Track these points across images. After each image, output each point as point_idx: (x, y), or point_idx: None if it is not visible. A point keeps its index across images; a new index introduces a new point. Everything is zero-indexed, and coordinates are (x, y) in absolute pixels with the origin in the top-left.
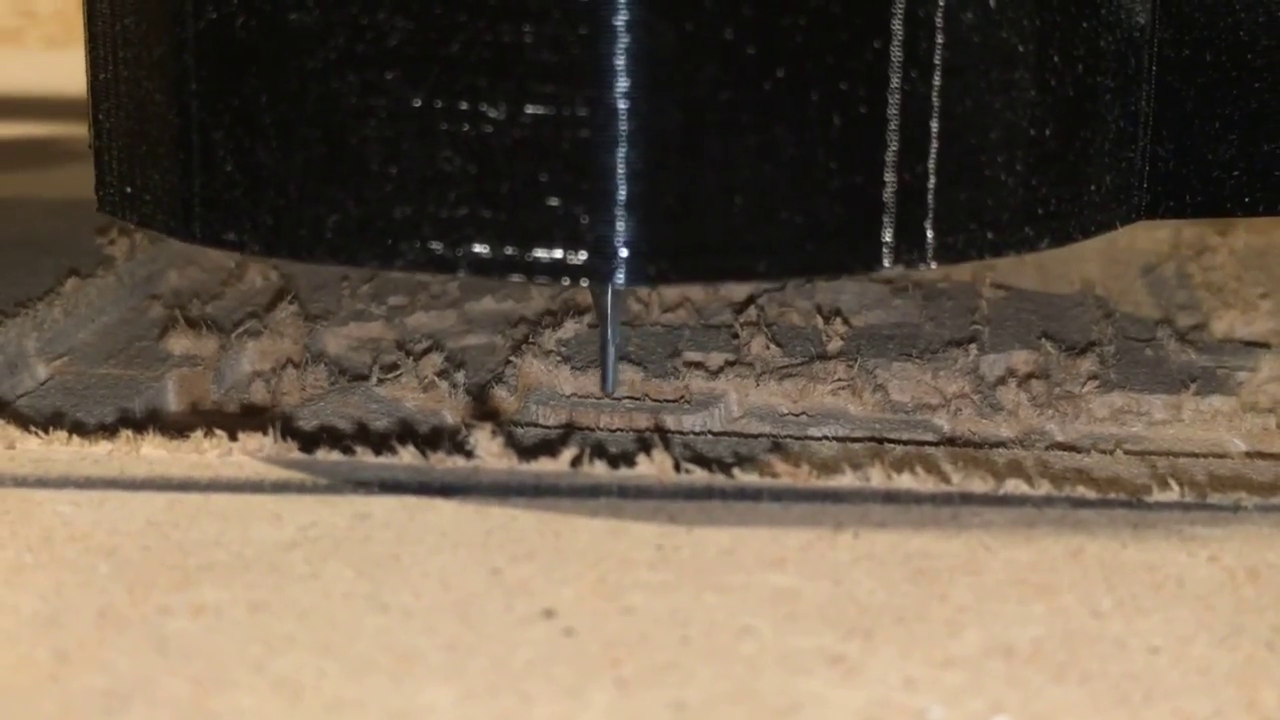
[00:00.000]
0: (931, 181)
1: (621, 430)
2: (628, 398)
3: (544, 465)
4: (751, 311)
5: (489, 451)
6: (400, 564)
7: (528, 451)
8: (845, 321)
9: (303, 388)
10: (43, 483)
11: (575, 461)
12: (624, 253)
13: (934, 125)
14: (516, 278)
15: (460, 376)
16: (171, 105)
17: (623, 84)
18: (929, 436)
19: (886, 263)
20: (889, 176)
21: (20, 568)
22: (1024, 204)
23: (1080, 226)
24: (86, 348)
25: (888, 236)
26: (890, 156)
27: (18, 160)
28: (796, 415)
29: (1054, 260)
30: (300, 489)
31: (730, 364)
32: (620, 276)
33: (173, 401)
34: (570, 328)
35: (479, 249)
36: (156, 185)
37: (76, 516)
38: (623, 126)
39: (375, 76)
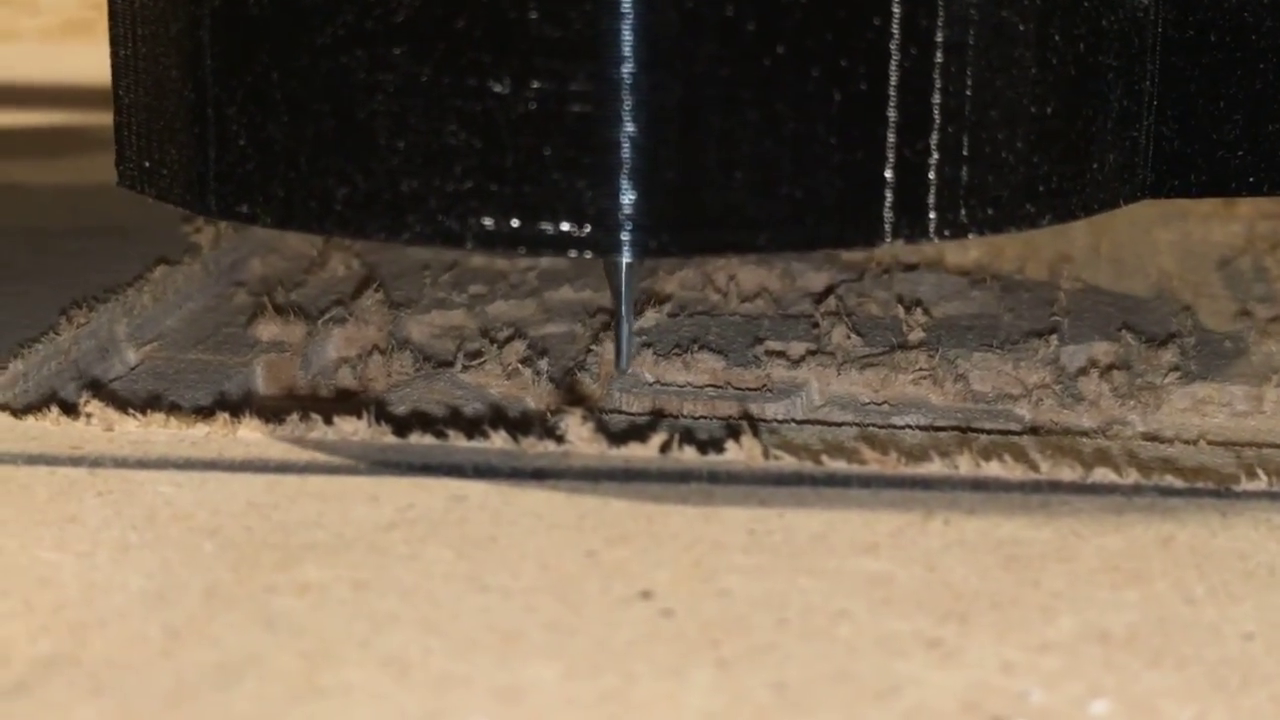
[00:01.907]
0: (933, 158)
1: (705, 417)
2: (710, 385)
3: (634, 451)
4: (831, 301)
5: (579, 437)
6: (498, 545)
7: (617, 437)
8: (926, 312)
9: (388, 374)
10: (143, 464)
11: (664, 447)
12: (627, 226)
13: (935, 102)
14: (522, 251)
15: (543, 364)
16: (187, 81)
17: (625, 60)
18: (1011, 426)
19: (887, 238)
20: (890, 153)
21: (126, 546)
22: (1026, 181)
23: (1083, 204)
24: (175, 333)
25: (889, 212)
26: (891, 133)
27: (101, 146)
28: (879, 404)
29: (1129, 254)
30: (396, 471)
31: (811, 353)
32: (624, 249)
33: (261, 386)
34: (651, 316)
35: (486, 222)
36: (173, 159)
37: (178, 497)
38: (625, 101)
39: (383, 52)
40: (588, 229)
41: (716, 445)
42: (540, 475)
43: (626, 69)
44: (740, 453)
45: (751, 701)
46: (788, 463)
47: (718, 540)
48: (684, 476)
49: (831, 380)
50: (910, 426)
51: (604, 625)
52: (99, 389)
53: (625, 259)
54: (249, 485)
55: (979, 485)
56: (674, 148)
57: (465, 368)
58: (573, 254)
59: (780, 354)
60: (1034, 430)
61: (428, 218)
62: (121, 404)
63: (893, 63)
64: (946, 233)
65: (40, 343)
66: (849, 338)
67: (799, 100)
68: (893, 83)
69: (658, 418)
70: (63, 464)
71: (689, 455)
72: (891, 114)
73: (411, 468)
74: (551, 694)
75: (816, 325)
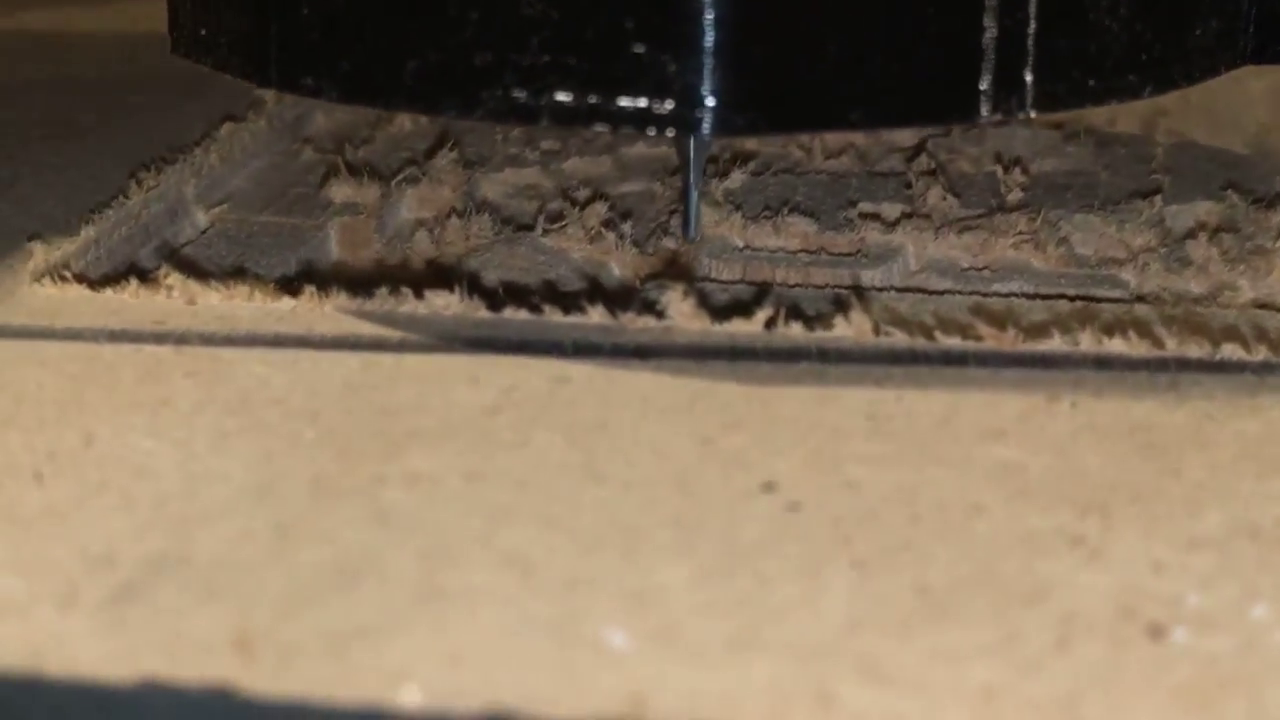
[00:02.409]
0: (1031, 26)
1: (800, 286)
2: (802, 250)
3: (738, 327)
4: (924, 159)
5: (681, 312)
6: (608, 432)
7: (719, 312)
8: (1023, 170)
9: (467, 237)
10: (230, 341)
11: (770, 323)
12: (711, 102)
13: None
14: (600, 127)
15: (626, 227)
16: None
17: None
18: (1116, 293)
19: (984, 111)
20: (988, 21)
21: (224, 433)
22: (1127, 50)
23: (1184, 72)
24: (243, 194)
25: (985, 84)
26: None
27: None
28: (979, 270)
29: (1223, 105)
30: (493, 349)
31: (906, 216)
32: (708, 126)
33: (336, 250)
34: (736, 177)
35: (562, 97)
36: (231, 26)
37: (271, 377)
38: None
39: None
40: (670, 105)
41: (824, 320)
42: (643, 353)
43: None
44: (849, 328)
45: (895, 606)
46: (899, 339)
47: (837, 426)
48: (793, 355)
49: (928, 244)
50: (1015, 295)
51: (729, 521)
52: (173, 256)
53: (709, 137)
54: (343, 365)
55: (1102, 363)
56: (764, 17)
57: (546, 230)
58: (652, 131)
59: (874, 216)
60: (1140, 298)
61: (502, 93)
62: (201, 274)
63: None
64: (1046, 105)
65: (110, 207)
66: (945, 198)
67: None
68: None
69: (760, 288)
70: (147, 341)
71: (796, 331)
72: None
73: (510, 345)
74: (684, 598)
75: (909, 185)
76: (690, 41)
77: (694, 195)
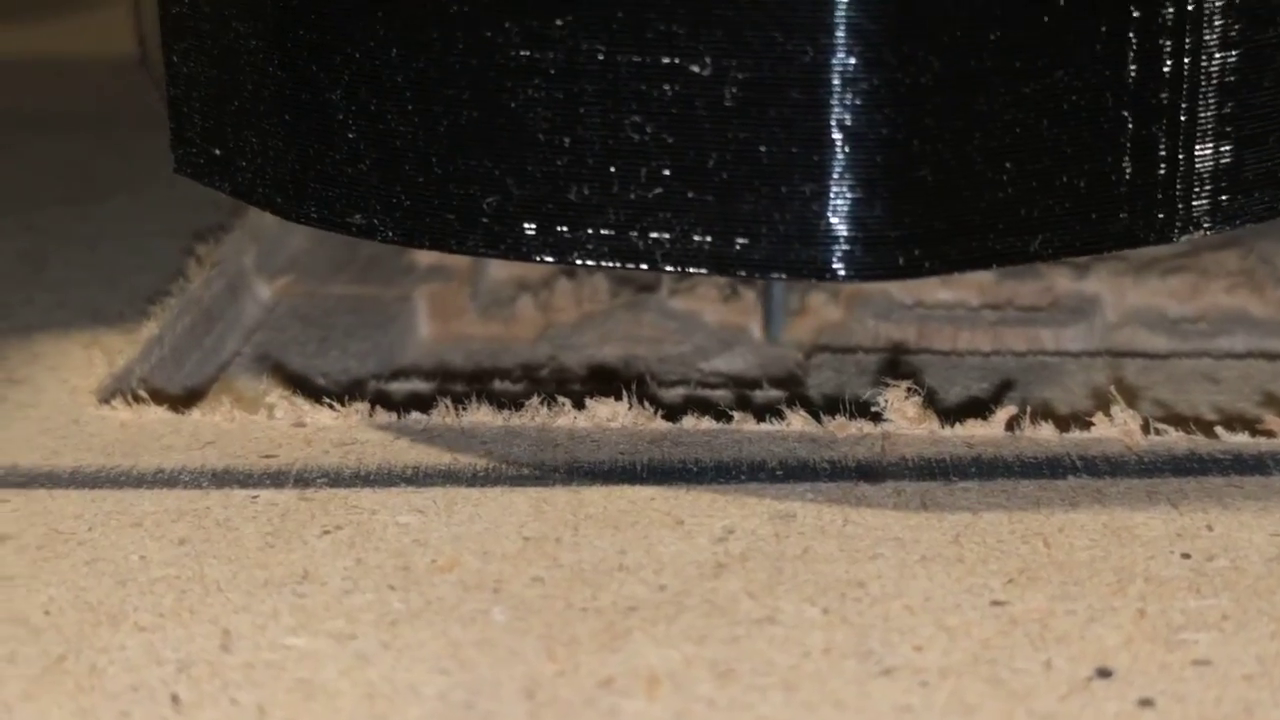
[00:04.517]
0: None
1: (997, 353)
2: (986, 306)
3: (974, 430)
4: None
5: (904, 415)
6: (869, 594)
7: (948, 411)
8: None
9: (579, 301)
10: (363, 479)
11: (1012, 424)
12: (869, 241)
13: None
14: (733, 274)
15: (779, 288)
16: (271, 53)
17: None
18: None
19: (1181, 230)
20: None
21: (393, 621)
22: None
23: None
24: (308, 258)
25: (1180, 200)
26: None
27: None
28: (1192, 321)
29: None
30: (682, 478)
31: (1099, 258)
32: (865, 271)
33: (426, 325)
34: None
35: (681, 237)
36: (254, 150)
37: (427, 530)
38: (866, 80)
39: (541, 23)
40: (817, 246)
41: (1079, 420)
42: (870, 474)
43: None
44: (1113, 429)
45: None
46: (1175, 439)
47: (1152, 574)
48: (1053, 468)
49: (1128, 291)
50: (1253, 355)
51: None
52: (249, 350)
53: (871, 280)
54: (509, 507)
55: None
56: (929, 137)
57: (673, 291)
58: (780, 276)
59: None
60: None
61: (605, 233)
62: (301, 384)
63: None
64: (1245, 217)
65: (170, 294)
66: None
67: (1082, 67)
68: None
69: (1004, 389)
70: (262, 484)
71: (1047, 435)
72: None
73: (702, 470)
74: None
75: None
76: (839, 171)
77: (777, 288)
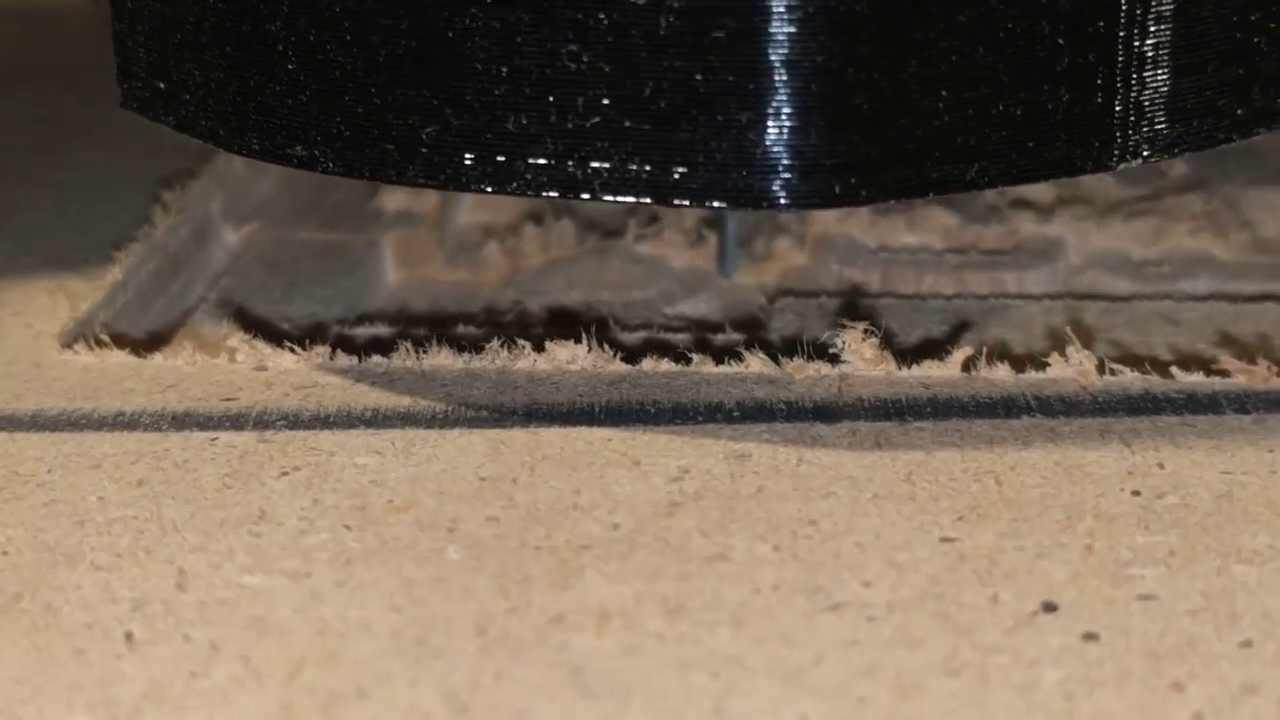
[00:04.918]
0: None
1: (959, 296)
2: (950, 250)
3: (931, 370)
4: None
5: (861, 357)
6: (821, 532)
7: (905, 353)
8: None
9: (546, 247)
10: (322, 421)
11: (968, 364)
12: (806, 168)
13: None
14: (670, 203)
15: (731, 225)
16: None
17: None
18: None
19: (1118, 158)
20: (1124, 54)
21: (349, 560)
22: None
23: None
24: (275, 205)
25: (1119, 126)
26: (1127, 31)
27: None
28: (1156, 264)
29: None
30: (639, 418)
31: (1063, 201)
32: (803, 198)
33: (393, 271)
34: None
35: (618, 167)
36: (197, 82)
37: (385, 471)
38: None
39: None
40: (754, 174)
41: (1035, 361)
42: (825, 414)
43: None
44: (1068, 369)
45: None
46: (1130, 379)
47: (1101, 511)
48: (1008, 407)
49: (1091, 234)
50: (1214, 297)
51: (1017, 661)
52: (215, 293)
53: (808, 209)
54: (467, 449)
55: None
56: (864, 65)
57: (639, 237)
58: (719, 205)
59: (1026, 204)
60: None
61: (542, 162)
62: (262, 326)
63: None
64: (1184, 146)
65: (136, 239)
66: (1100, 177)
67: None
68: None
69: (959, 330)
70: (222, 427)
71: (1003, 375)
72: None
73: (660, 412)
74: None
75: None
76: (777, 97)
77: (730, 225)
